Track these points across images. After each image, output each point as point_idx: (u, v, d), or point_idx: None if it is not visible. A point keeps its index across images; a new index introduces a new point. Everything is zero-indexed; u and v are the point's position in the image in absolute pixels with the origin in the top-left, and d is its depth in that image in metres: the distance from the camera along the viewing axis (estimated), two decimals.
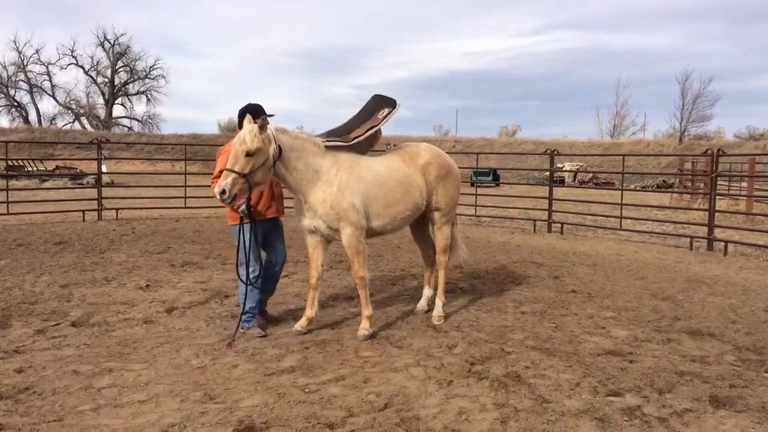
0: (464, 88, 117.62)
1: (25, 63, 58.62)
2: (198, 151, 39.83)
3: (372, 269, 7.38)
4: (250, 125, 4.67)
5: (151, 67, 62.22)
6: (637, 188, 28.06)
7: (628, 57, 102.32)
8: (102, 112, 62.21)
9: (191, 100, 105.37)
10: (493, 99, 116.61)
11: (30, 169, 28.99)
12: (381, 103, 5.50)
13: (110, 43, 60.80)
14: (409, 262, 8.77)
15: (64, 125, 59.99)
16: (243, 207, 4.99)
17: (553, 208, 13.27)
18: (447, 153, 6.04)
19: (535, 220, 13.26)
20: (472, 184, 20.26)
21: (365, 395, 3.94)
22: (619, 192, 14.57)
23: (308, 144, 5.04)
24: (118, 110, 63.43)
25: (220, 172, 4.86)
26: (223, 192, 4.56)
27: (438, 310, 5.77)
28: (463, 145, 51.26)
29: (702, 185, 18.71)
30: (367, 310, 5.25)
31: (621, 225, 12.57)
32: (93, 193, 14.17)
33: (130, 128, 62.06)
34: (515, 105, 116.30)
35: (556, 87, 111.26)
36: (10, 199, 13.20)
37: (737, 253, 10.42)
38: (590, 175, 36.20)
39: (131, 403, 3.80)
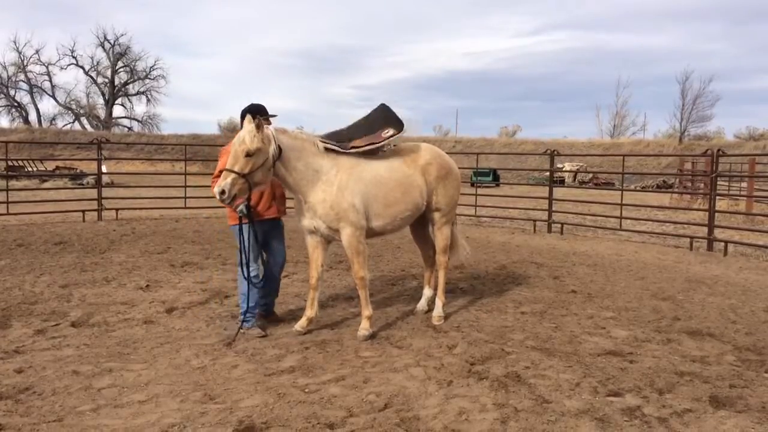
0: (464, 88, 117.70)
1: (25, 63, 58.69)
2: (198, 151, 39.86)
3: (372, 269, 7.38)
4: (249, 125, 4.67)
5: (151, 67, 62.31)
6: (637, 188, 28.06)
7: (628, 57, 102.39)
8: (102, 113, 62.23)
9: (191, 100, 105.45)
10: (493, 99, 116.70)
11: (30, 169, 28.99)
12: (389, 120, 5.42)
13: (110, 43, 60.89)
14: (409, 262, 8.77)
15: (64, 125, 60.09)
16: (241, 207, 5.00)
17: (553, 209, 13.27)
18: (447, 153, 6.04)
19: (535, 221, 13.26)
20: (472, 185, 20.27)
21: (365, 395, 3.94)
22: (619, 192, 14.57)
23: (308, 144, 5.04)
24: (118, 110, 63.54)
25: (221, 171, 4.86)
26: (222, 192, 4.56)
27: (438, 311, 5.77)
28: (463, 145, 51.26)
29: (702, 185, 18.72)
30: (367, 311, 5.25)
31: (621, 225, 12.57)
32: (93, 193, 14.17)
33: (130, 128, 62.10)
34: (515, 105, 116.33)
35: (556, 87, 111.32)
36: (10, 200, 13.21)
37: (737, 253, 10.42)
38: (590, 175, 36.20)
39: (131, 404, 3.80)
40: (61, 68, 64.75)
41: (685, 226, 13.11)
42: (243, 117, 5.03)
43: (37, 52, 59.68)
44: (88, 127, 60.61)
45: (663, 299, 6.77)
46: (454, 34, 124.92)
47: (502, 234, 12.47)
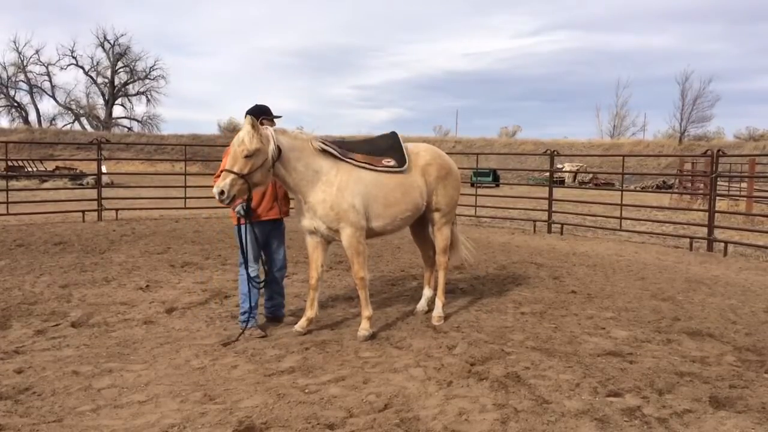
0: (464, 88, 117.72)
1: (25, 63, 58.74)
2: (198, 151, 39.92)
3: (372, 270, 7.38)
4: (248, 126, 4.68)
5: (151, 67, 62.39)
6: (637, 189, 28.07)
7: (628, 57, 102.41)
8: (102, 113, 62.26)
9: (191, 101, 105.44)
10: (493, 99, 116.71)
11: (30, 169, 28.98)
12: (394, 151, 5.42)
13: (110, 43, 60.96)
14: (409, 262, 8.77)
15: (64, 126, 60.12)
16: (239, 207, 5.00)
17: (553, 209, 13.28)
18: (447, 153, 6.04)
19: (535, 221, 13.26)
20: (472, 185, 20.28)
21: (365, 396, 3.94)
22: (619, 192, 14.58)
23: (308, 145, 5.04)
24: (118, 111, 63.60)
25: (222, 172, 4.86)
26: (221, 192, 4.56)
27: (438, 311, 5.77)
28: (463, 145, 51.27)
29: (702, 186, 18.72)
30: (366, 311, 5.25)
31: (621, 226, 12.57)
32: (93, 193, 14.17)
33: (130, 129, 62.12)
34: (515, 105, 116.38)
35: (556, 87, 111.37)
36: (10, 200, 13.21)
37: (737, 253, 10.42)
38: (590, 175, 36.22)
39: (131, 404, 3.80)
40: (61, 68, 64.96)
41: (685, 226, 13.11)
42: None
43: (37, 52, 59.86)
44: (88, 127, 60.69)
45: (663, 300, 6.77)
46: (454, 34, 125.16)
47: (502, 234, 12.47)
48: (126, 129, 62.17)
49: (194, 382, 4.17)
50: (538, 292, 7.06)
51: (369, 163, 5.24)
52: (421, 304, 6.10)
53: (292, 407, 3.76)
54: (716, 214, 11.22)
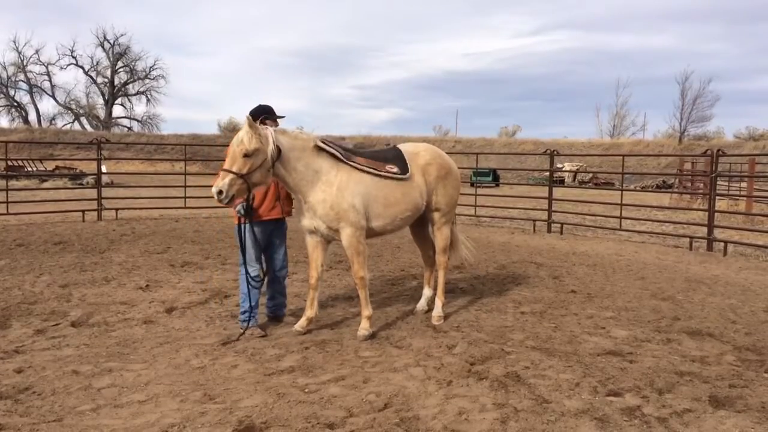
0: (464, 88, 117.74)
1: (24, 63, 58.71)
2: (198, 151, 39.92)
3: (372, 269, 7.38)
4: (247, 126, 4.68)
5: (150, 67, 62.35)
6: (637, 188, 28.07)
7: (628, 57, 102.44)
8: (102, 113, 62.23)
9: (191, 100, 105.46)
10: (493, 99, 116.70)
11: (30, 169, 28.99)
12: (397, 161, 5.45)
13: (110, 43, 60.91)
14: (409, 262, 8.77)
15: (63, 125, 60.10)
16: (239, 207, 5.01)
17: (553, 209, 13.28)
18: (447, 153, 6.05)
19: (534, 221, 13.27)
20: (472, 185, 20.28)
21: (365, 395, 3.94)
22: (619, 192, 14.58)
23: (308, 145, 5.04)
24: (117, 110, 63.56)
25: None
26: (220, 192, 4.57)
27: (438, 310, 5.77)
28: (463, 145, 51.27)
29: (702, 185, 18.72)
30: (366, 311, 5.25)
31: (621, 225, 12.57)
32: (93, 193, 14.17)
33: (129, 128, 62.10)
34: (515, 105, 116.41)
35: (556, 87, 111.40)
36: (10, 199, 13.21)
37: (737, 253, 10.42)
38: (590, 175, 36.21)
39: (131, 404, 3.80)
40: (61, 68, 64.94)
41: (685, 226, 13.11)
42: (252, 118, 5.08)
43: (36, 52, 59.82)
44: (87, 127, 60.67)
45: (663, 299, 6.77)
46: (454, 34, 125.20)
47: (501, 234, 12.47)
48: (126, 129, 62.17)
49: (194, 382, 4.17)
50: (537, 291, 7.06)
51: (373, 168, 5.25)
52: (421, 304, 6.10)
53: (292, 407, 3.76)
54: (716, 214, 11.22)
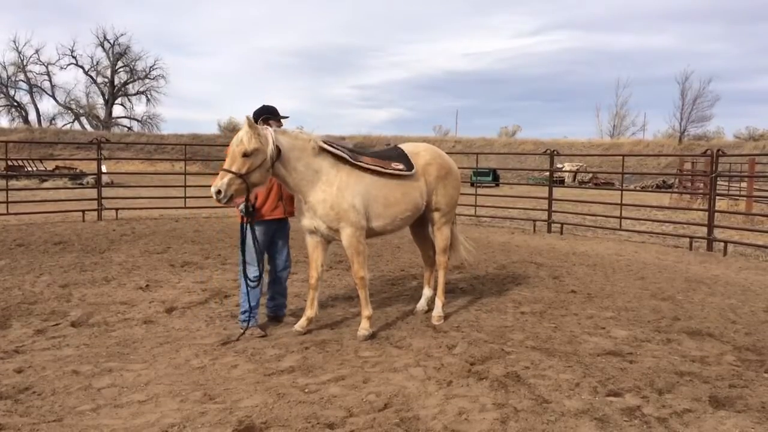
0: (464, 88, 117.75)
1: (24, 63, 58.69)
2: (198, 151, 39.93)
3: (372, 269, 7.38)
4: (247, 126, 4.68)
5: (150, 67, 62.34)
6: (637, 188, 28.07)
7: (628, 57, 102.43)
8: (102, 112, 62.23)
9: (191, 100, 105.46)
10: (493, 99, 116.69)
11: (30, 169, 28.98)
12: (401, 159, 5.48)
13: (110, 43, 60.90)
14: (409, 262, 8.77)
15: (63, 125, 60.09)
16: (242, 206, 5.01)
17: (553, 209, 13.28)
18: (447, 153, 6.05)
19: (534, 221, 13.26)
20: (472, 185, 20.27)
21: (365, 395, 3.94)
22: (619, 192, 14.58)
23: (308, 145, 5.04)
24: (117, 110, 63.56)
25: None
26: (218, 192, 4.57)
27: (438, 311, 5.77)
28: (463, 145, 51.27)
29: (701, 185, 18.72)
30: (366, 311, 5.25)
31: (621, 225, 12.57)
32: (93, 193, 14.17)
33: (129, 128, 62.09)
34: (515, 105, 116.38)
35: (556, 87, 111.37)
36: (10, 199, 13.21)
37: (737, 253, 10.42)
38: (590, 175, 36.21)
39: (131, 404, 3.80)
40: (61, 68, 64.96)
41: (685, 226, 13.12)
42: (255, 118, 5.09)
43: (36, 51, 59.81)
44: (87, 127, 60.65)
45: (663, 299, 6.77)
46: (454, 34, 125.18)
47: (501, 234, 12.47)
48: (126, 129, 62.15)
49: (194, 382, 4.17)
50: (537, 291, 7.06)
51: (380, 166, 5.27)
52: (421, 304, 6.10)
53: (292, 407, 3.76)
54: (716, 214, 11.22)
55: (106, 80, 62.17)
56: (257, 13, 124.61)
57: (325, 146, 5.06)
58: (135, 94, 63.28)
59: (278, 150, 4.80)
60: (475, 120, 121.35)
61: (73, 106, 61.85)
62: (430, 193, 5.62)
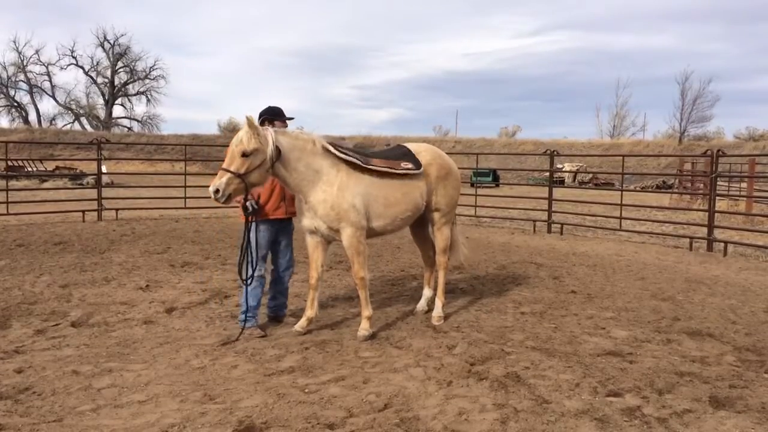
0: (464, 88, 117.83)
1: (25, 63, 58.74)
2: (198, 151, 39.92)
3: (372, 270, 7.38)
4: (247, 126, 4.68)
5: (150, 67, 62.40)
6: (637, 189, 28.07)
7: (628, 57, 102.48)
8: (102, 113, 62.26)
9: (191, 101, 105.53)
10: (493, 99, 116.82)
11: (30, 169, 28.98)
12: (408, 158, 5.50)
13: (110, 43, 60.96)
14: (409, 262, 8.77)
15: (64, 125, 60.12)
16: (248, 203, 5.03)
17: (553, 209, 13.28)
18: (447, 153, 6.05)
19: (534, 221, 13.26)
20: (472, 185, 20.28)
21: (365, 396, 3.94)
22: (619, 192, 14.58)
23: (309, 145, 5.04)
24: (117, 111, 63.61)
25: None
26: (216, 191, 4.58)
27: (438, 311, 5.77)
28: (463, 145, 51.29)
29: (702, 186, 18.72)
30: (366, 311, 5.25)
31: (621, 225, 12.57)
32: (93, 193, 14.17)
33: (129, 129, 62.12)
34: (515, 105, 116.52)
35: (556, 87, 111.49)
36: (10, 200, 13.21)
37: (737, 253, 10.42)
38: (590, 175, 36.21)
39: (131, 404, 3.80)
40: (61, 68, 64.98)
41: (685, 226, 13.12)
42: (260, 118, 5.10)
43: (36, 52, 59.88)
44: (88, 127, 60.71)
45: (663, 299, 6.77)
46: (454, 34, 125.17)
47: (501, 234, 12.47)
48: (126, 129, 62.19)
49: (194, 382, 4.17)
50: (538, 292, 7.06)
51: (390, 167, 5.28)
52: (421, 304, 6.10)
53: (292, 407, 3.76)
54: (716, 214, 11.23)
55: (106, 80, 62.24)
56: (257, 13, 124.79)
57: (335, 151, 5.06)
58: (135, 95, 63.40)
59: (278, 150, 4.80)
60: (475, 120, 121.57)
61: (73, 107, 61.97)
62: (430, 193, 5.62)
